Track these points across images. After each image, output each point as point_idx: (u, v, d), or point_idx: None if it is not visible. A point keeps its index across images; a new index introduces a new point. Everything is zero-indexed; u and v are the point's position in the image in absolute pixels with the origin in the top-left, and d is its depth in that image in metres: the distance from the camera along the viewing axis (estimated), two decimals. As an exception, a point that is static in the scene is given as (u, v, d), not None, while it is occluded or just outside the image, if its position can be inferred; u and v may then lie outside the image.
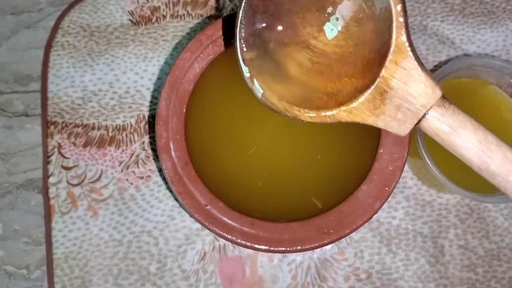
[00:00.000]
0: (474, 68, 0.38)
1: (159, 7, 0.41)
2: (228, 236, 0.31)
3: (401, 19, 0.21)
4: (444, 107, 0.22)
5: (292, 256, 0.37)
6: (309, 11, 0.24)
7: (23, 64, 0.41)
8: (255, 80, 0.25)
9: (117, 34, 0.41)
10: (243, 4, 0.25)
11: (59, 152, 0.39)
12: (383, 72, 0.21)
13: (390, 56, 0.21)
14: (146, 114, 0.39)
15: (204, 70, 0.33)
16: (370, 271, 0.37)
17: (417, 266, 0.37)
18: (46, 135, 0.39)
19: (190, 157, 0.32)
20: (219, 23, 0.33)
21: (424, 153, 0.34)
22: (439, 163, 0.35)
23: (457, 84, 0.39)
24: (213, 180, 0.32)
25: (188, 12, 0.41)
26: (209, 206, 0.31)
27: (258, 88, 0.25)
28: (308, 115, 0.23)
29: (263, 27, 0.25)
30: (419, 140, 0.35)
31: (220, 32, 0.33)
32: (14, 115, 0.40)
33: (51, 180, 0.38)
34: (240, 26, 0.25)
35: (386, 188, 0.31)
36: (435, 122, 0.22)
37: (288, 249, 0.30)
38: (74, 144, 0.39)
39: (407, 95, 0.21)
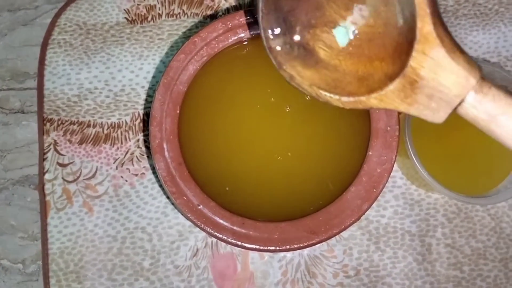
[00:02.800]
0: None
1: (155, 5, 0.42)
2: (219, 235, 0.31)
3: (427, 9, 0.20)
4: (483, 92, 0.20)
5: (282, 252, 0.38)
6: None
7: (19, 61, 0.41)
8: (284, 67, 0.24)
9: (113, 32, 0.41)
10: None
11: (55, 149, 0.39)
12: (411, 62, 0.21)
13: (416, 46, 0.20)
14: (141, 112, 0.40)
15: (198, 71, 0.33)
16: (358, 268, 0.38)
17: (404, 264, 0.38)
18: (42, 132, 0.39)
19: (183, 157, 0.32)
20: (213, 26, 0.34)
21: (412, 154, 0.35)
22: (428, 164, 0.35)
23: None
24: (206, 180, 0.32)
25: (183, 11, 0.42)
26: (201, 206, 0.32)
27: (287, 76, 0.24)
28: (339, 101, 0.23)
29: (286, 11, 0.24)
30: (407, 141, 0.35)
31: (214, 35, 0.34)
32: (10, 111, 0.40)
33: (47, 176, 0.39)
34: (261, 15, 0.24)
35: (374, 190, 0.32)
36: (472, 110, 0.20)
37: (277, 248, 0.31)
38: (70, 141, 0.39)
39: (438, 85, 0.20)
